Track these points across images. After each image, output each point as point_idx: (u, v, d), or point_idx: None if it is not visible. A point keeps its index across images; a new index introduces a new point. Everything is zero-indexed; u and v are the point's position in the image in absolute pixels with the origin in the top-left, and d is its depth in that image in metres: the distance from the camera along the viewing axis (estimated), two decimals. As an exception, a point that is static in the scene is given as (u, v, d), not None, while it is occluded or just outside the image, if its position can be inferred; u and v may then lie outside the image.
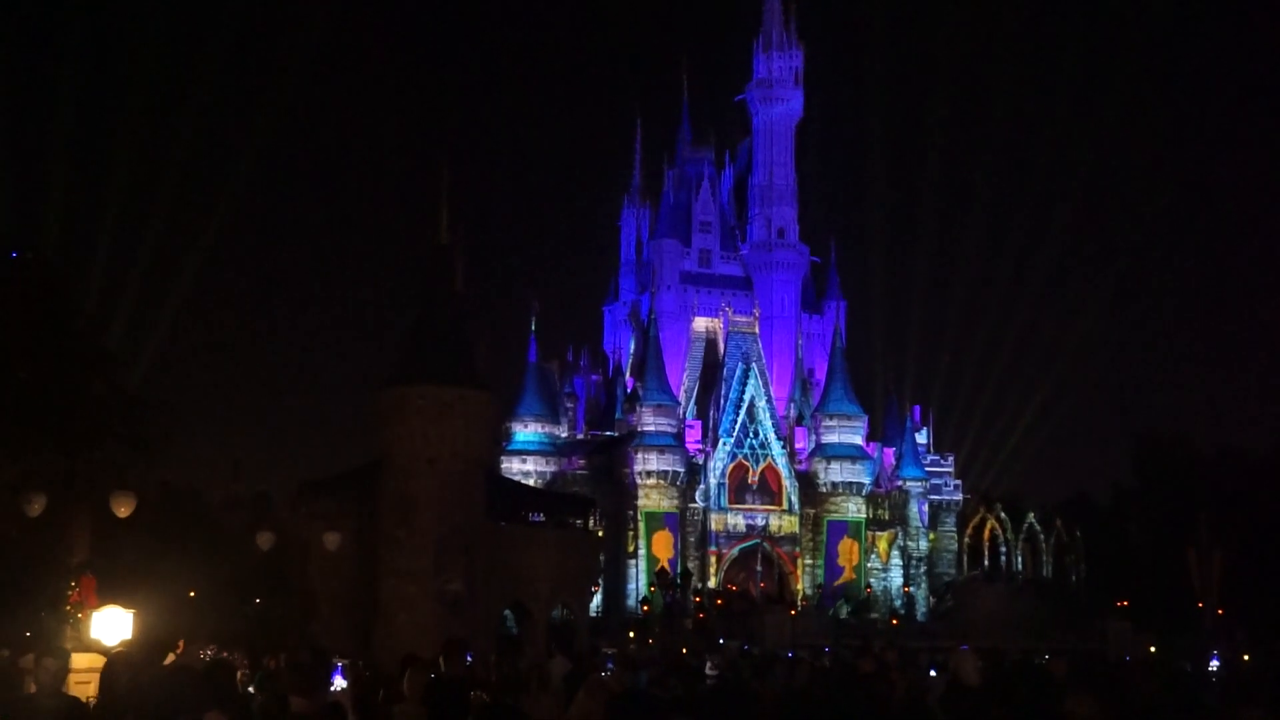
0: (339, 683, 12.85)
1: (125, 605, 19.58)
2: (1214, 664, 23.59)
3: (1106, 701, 8.68)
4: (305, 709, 7.12)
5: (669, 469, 71.37)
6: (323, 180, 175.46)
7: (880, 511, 76.10)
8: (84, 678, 20.57)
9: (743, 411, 73.04)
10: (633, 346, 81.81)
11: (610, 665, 16.71)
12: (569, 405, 79.52)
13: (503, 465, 71.51)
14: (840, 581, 72.46)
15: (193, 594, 41.71)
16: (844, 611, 67.92)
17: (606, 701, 6.39)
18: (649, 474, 71.19)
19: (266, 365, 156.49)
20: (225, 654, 22.72)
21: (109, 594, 21.25)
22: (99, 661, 20.11)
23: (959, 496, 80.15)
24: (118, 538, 29.01)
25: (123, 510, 23.61)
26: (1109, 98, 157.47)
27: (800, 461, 74.40)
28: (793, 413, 77.06)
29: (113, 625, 19.06)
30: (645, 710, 6.45)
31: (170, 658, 13.38)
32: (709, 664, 20.04)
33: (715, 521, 72.43)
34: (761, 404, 73.32)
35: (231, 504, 59.91)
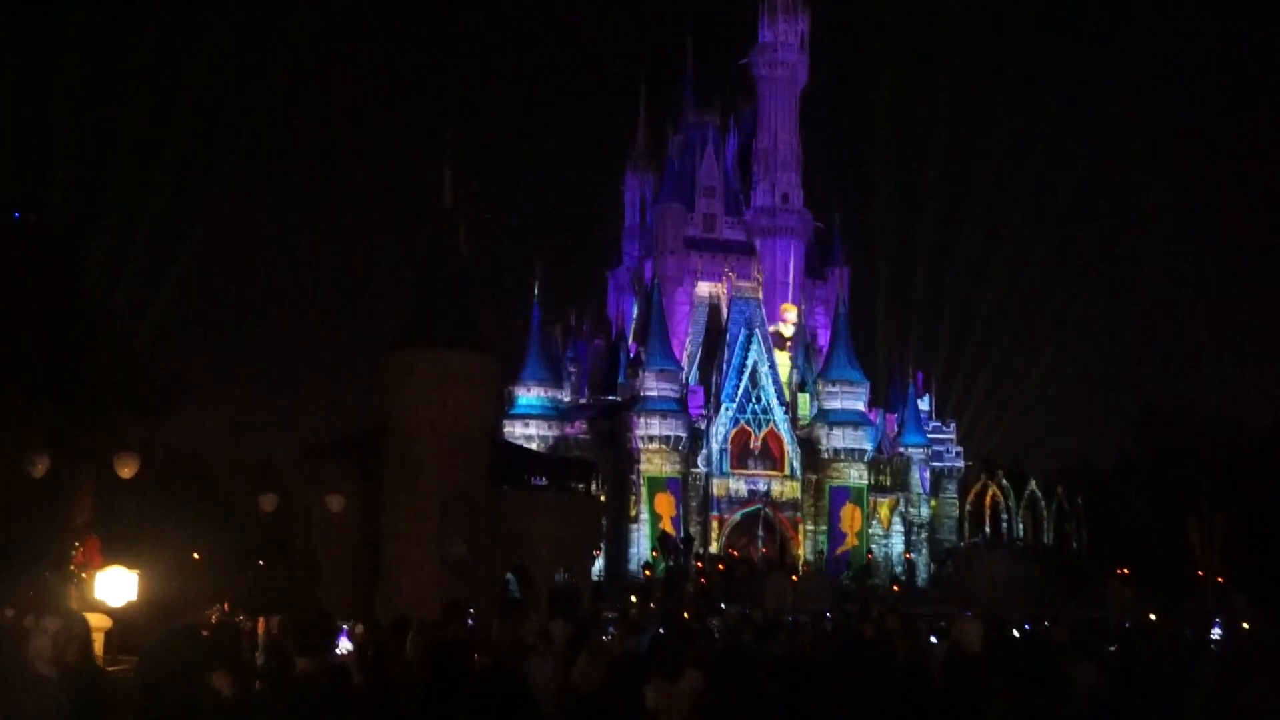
0: (344, 644, 12.91)
1: (129, 566, 19.65)
2: (1215, 631, 23.63)
3: (1108, 668, 8.72)
4: (311, 669, 7.15)
5: (671, 434, 71.48)
6: (328, 144, 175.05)
7: (882, 478, 76.22)
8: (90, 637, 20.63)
9: (745, 377, 73.06)
10: (635, 311, 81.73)
11: (611, 629, 16.76)
12: (572, 370, 79.57)
13: (505, 429, 71.60)
14: (843, 549, 72.64)
15: (196, 556, 41.93)
16: (847, 579, 68.15)
17: (607, 665, 6.41)
18: (651, 439, 71.30)
19: (271, 329, 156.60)
20: (236, 616, 22.82)
21: (113, 555, 21.32)
22: (105, 622, 20.24)
23: (961, 463, 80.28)
24: (122, 499, 29.14)
25: (125, 471, 23.66)
26: (1117, 65, 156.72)
27: (802, 427, 74.47)
28: (795, 378, 77.08)
29: (117, 586, 19.13)
30: (645, 673, 6.47)
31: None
32: (711, 627, 20.10)
33: (717, 487, 72.58)
34: (764, 369, 73.34)
35: (235, 468, 60.12)
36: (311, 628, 7.71)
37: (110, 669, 17.54)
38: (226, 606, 26.65)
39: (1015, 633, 16.38)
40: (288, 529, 41.87)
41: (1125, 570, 61.84)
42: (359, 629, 17.64)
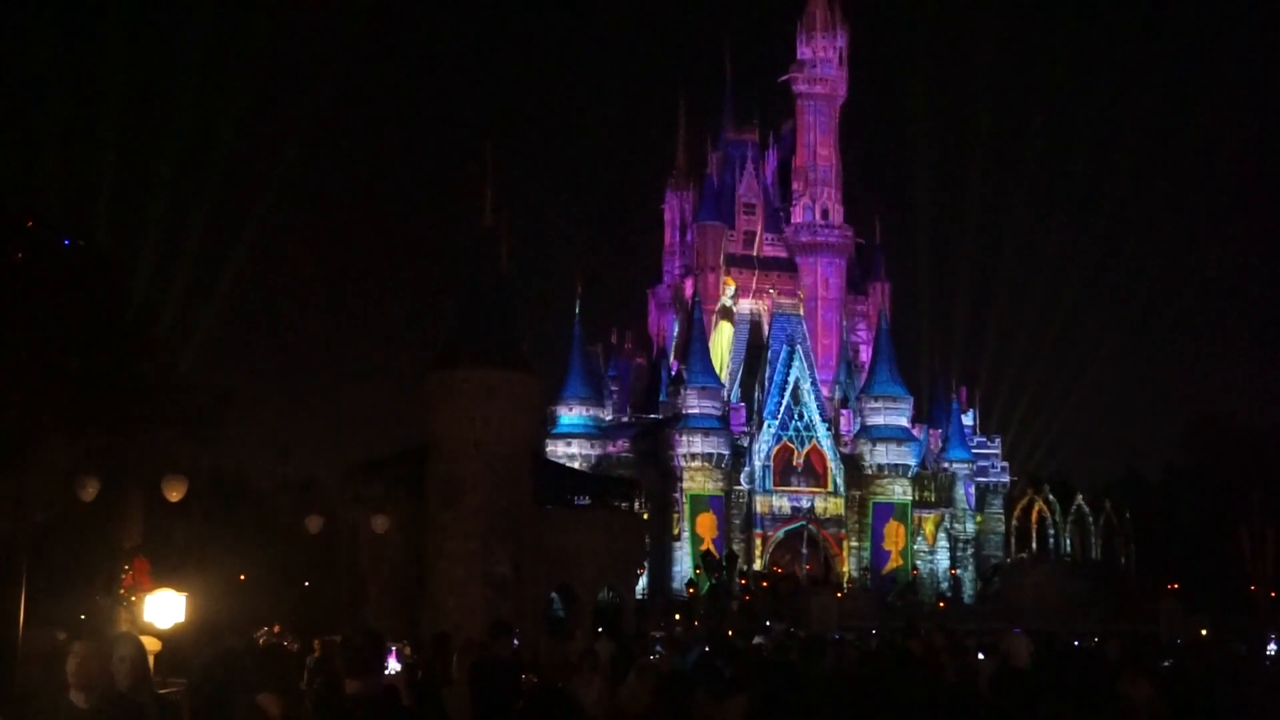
0: (393, 665, 12.95)
1: (178, 588, 19.80)
2: (1271, 647, 23.31)
3: (1161, 684, 8.61)
4: (360, 691, 7.16)
5: (713, 451, 71.31)
6: (369, 163, 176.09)
7: (926, 493, 75.72)
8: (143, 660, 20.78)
9: (787, 394, 72.84)
10: (676, 329, 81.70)
11: (659, 648, 16.73)
12: (613, 388, 79.54)
13: (548, 448, 71.66)
14: (888, 566, 72.17)
15: (243, 577, 42.16)
16: (894, 597, 67.73)
17: (655, 683, 6.39)
18: (693, 456, 71.16)
19: (315, 349, 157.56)
20: (282, 639, 22.93)
21: (161, 577, 21.50)
22: (154, 644, 20.38)
23: (1006, 478, 79.62)
24: (170, 521, 29.36)
25: (174, 494, 23.86)
26: (1162, 72, 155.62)
27: (845, 444, 74.13)
28: (838, 395, 76.79)
29: (166, 608, 19.29)
30: (692, 692, 6.45)
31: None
32: (756, 645, 20.02)
33: (760, 504, 72.33)
34: (806, 386, 73.08)
35: (281, 488, 60.47)
36: (360, 649, 7.72)
37: (161, 691, 17.65)
38: (277, 629, 26.77)
39: (1064, 649, 16.21)
40: (333, 549, 42.06)
41: (1176, 585, 61.19)
42: (407, 650, 17.69)
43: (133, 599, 20.61)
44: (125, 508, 27.75)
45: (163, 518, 27.77)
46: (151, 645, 20.43)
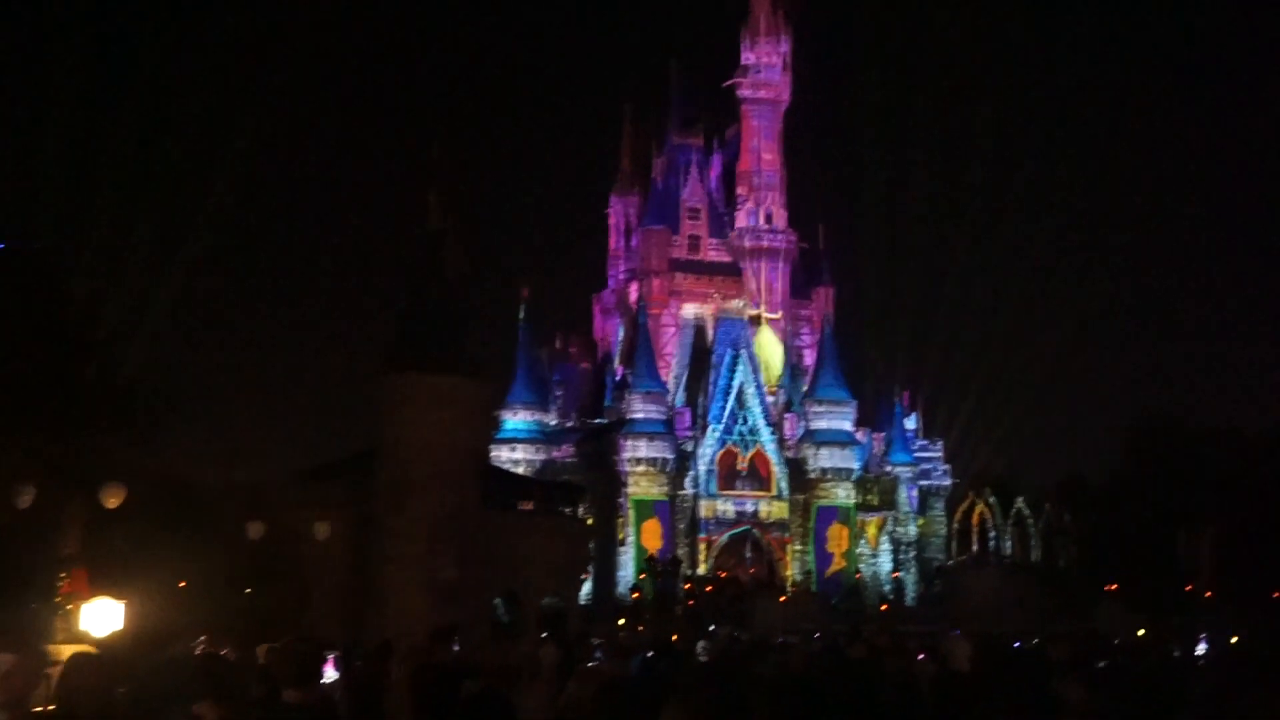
0: (330, 673, 12.88)
1: (116, 596, 19.58)
2: (1202, 647, 23.67)
3: (1097, 685, 8.73)
4: (299, 700, 7.14)
5: (659, 456, 71.43)
6: (315, 167, 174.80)
7: (870, 497, 76.23)
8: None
9: (732, 398, 73.10)
10: (622, 334, 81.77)
11: (598, 654, 16.75)
12: (559, 393, 79.55)
13: (493, 453, 71.39)
14: (831, 569, 72.54)
15: (183, 585, 41.64)
16: (838, 600, 68.10)
17: (597, 689, 6.41)
18: (639, 461, 71.25)
19: (261, 353, 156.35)
20: (222, 646, 22.70)
21: (101, 585, 21.25)
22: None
23: (948, 481, 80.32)
24: (109, 528, 28.97)
25: (112, 501, 23.61)
26: (1100, 83, 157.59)
27: (789, 447, 74.47)
28: (782, 399, 77.14)
29: (103, 617, 19.07)
30: (636, 697, 6.47)
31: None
32: (699, 649, 20.07)
33: (705, 508, 72.52)
34: (750, 390, 73.38)
35: (226, 493, 59.74)
36: (299, 657, 7.69)
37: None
38: (204, 638, 26.43)
39: (1004, 651, 16.37)
40: (277, 555, 41.67)
41: (1115, 586, 61.95)
42: (350, 655, 17.59)
43: (69, 608, 20.37)
44: (63, 515, 27.35)
45: (102, 525, 27.39)
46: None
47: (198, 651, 16.86)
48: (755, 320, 78.30)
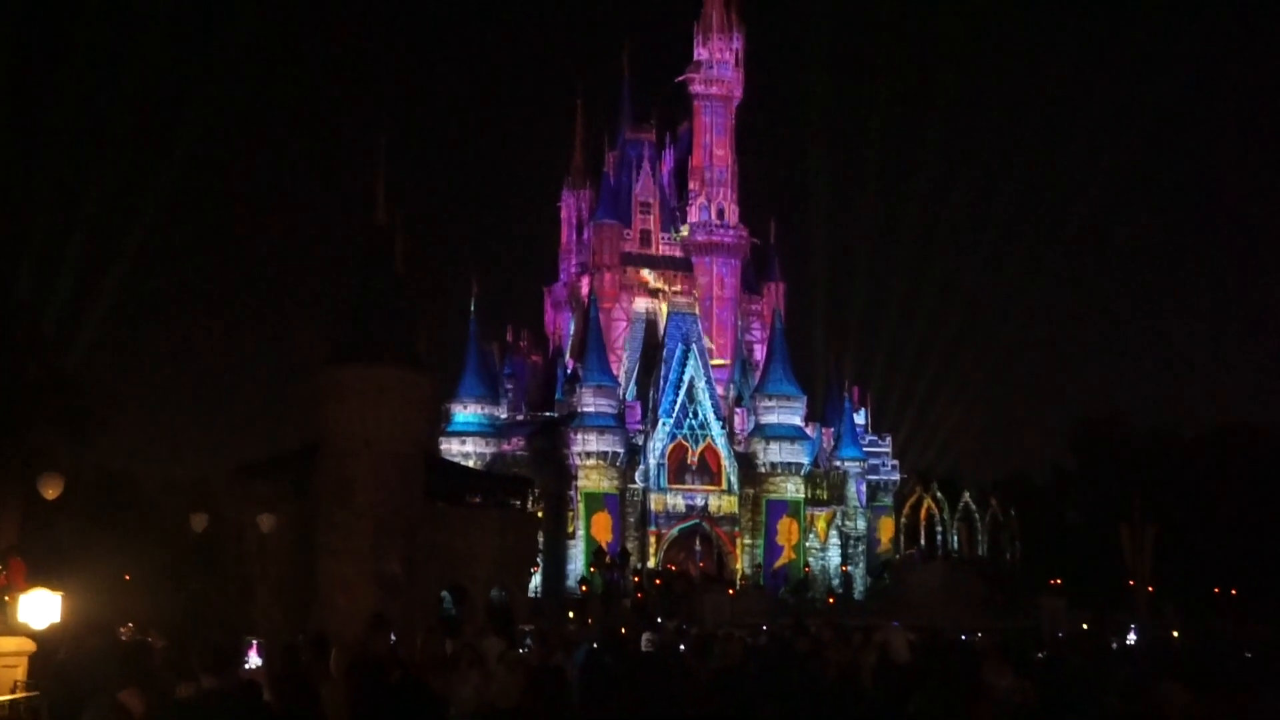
0: (255, 660, 12.77)
1: (53, 588, 19.32)
2: (1131, 638, 24.00)
3: (1031, 674, 8.83)
4: (217, 687, 7.08)
5: (609, 450, 71.41)
6: (259, 159, 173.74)
7: (819, 491, 76.56)
8: (11, 661, 20.30)
9: (682, 392, 73.19)
10: (573, 327, 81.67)
11: (529, 642, 16.73)
12: (509, 387, 79.35)
13: (443, 447, 71.31)
14: (780, 563, 72.80)
15: (128, 577, 41.28)
16: (785, 593, 68.41)
17: (526, 677, 6.39)
18: (589, 455, 71.20)
19: (205, 347, 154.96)
20: (149, 636, 22.48)
21: (40, 577, 20.97)
22: (27, 645, 19.83)
23: (896, 476, 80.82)
24: (49, 520, 28.67)
25: (50, 492, 23.29)
26: (1047, 81, 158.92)
27: (739, 442, 74.66)
28: (732, 393, 77.33)
29: (40, 608, 18.79)
30: (563, 686, 6.45)
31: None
32: (645, 641, 20.07)
33: (655, 502, 72.60)
34: (701, 385, 73.50)
35: (169, 487, 59.30)
36: (216, 645, 7.63)
37: (22, 695, 17.20)
38: (130, 627, 26.17)
39: (943, 643, 16.52)
40: (221, 549, 41.38)
41: (1059, 580, 62.61)
42: (277, 644, 17.46)
43: (5, 599, 20.07)
44: (2, 506, 27.04)
45: (42, 517, 27.11)
46: (25, 646, 19.92)
47: (123, 640, 16.66)
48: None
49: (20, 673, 19.68)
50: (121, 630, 22.88)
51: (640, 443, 72.95)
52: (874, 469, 79.47)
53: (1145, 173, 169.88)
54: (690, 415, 73.19)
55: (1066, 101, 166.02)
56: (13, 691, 19.01)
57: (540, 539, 61.10)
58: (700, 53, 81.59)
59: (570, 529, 70.80)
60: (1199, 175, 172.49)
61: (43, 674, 15.77)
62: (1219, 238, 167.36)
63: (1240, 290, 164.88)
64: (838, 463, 77.80)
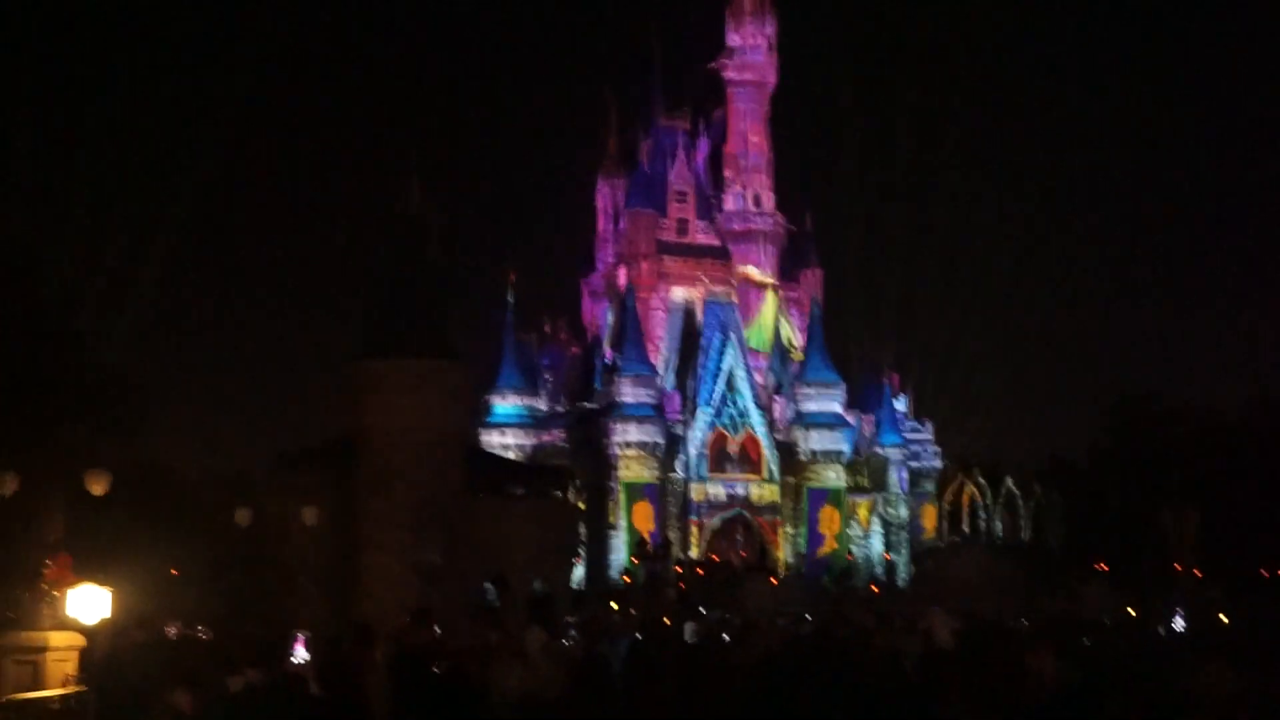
0: (301, 654, 12.84)
1: (101, 583, 19.53)
2: (1178, 623, 23.75)
3: (1070, 657, 8.77)
4: (262, 680, 7.12)
5: (648, 440, 71.38)
6: (294, 150, 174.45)
7: (860, 479, 76.31)
8: (62, 655, 20.54)
9: (721, 381, 73.08)
10: (610, 318, 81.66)
11: (572, 632, 16.77)
12: (548, 378, 79.44)
13: (483, 438, 71.48)
14: (823, 552, 72.63)
15: (174, 572, 41.66)
16: (828, 581, 68.26)
17: (570, 668, 6.39)
18: (628, 445, 71.18)
19: (244, 339, 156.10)
20: (195, 631, 22.70)
21: (86, 572, 21.19)
22: (77, 640, 20.05)
23: (938, 463, 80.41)
24: (94, 516, 28.94)
25: (97, 488, 23.58)
26: (1085, 60, 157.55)
27: (780, 430, 74.50)
28: (771, 382, 77.14)
29: (89, 603, 19.00)
30: (608, 676, 6.45)
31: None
32: (688, 632, 20.10)
33: (696, 491, 72.54)
34: (740, 373, 73.37)
35: (210, 480, 59.79)
36: (261, 640, 7.70)
37: (70, 691, 17.40)
38: (179, 623, 26.41)
39: (988, 628, 16.42)
40: (262, 541, 41.66)
41: (1103, 565, 62.17)
42: (324, 637, 17.58)
43: (54, 594, 20.32)
44: (47, 502, 27.33)
45: (86, 512, 27.37)
46: (75, 641, 20.13)
47: (172, 635, 16.80)
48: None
49: (70, 667, 19.91)
50: (169, 627, 23.08)
51: (680, 432, 72.90)
52: (915, 455, 79.10)
53: (1183, 143, 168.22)
54: (729, 404, 73.09)
55: (1103, 78, 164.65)
56: (63, 685, 19.23)
57: (582, 530, 61.16)
58: (732, 39, 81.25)
59: (611, 519, 70.88)
60: (1239, 145, 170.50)
61: (91, 669, 15.92)
62: (1261, 209, 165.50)
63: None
64: (878, 449, 77.50)
